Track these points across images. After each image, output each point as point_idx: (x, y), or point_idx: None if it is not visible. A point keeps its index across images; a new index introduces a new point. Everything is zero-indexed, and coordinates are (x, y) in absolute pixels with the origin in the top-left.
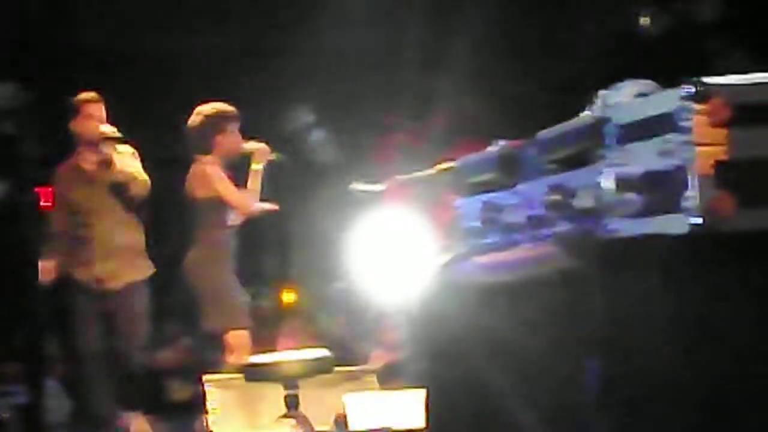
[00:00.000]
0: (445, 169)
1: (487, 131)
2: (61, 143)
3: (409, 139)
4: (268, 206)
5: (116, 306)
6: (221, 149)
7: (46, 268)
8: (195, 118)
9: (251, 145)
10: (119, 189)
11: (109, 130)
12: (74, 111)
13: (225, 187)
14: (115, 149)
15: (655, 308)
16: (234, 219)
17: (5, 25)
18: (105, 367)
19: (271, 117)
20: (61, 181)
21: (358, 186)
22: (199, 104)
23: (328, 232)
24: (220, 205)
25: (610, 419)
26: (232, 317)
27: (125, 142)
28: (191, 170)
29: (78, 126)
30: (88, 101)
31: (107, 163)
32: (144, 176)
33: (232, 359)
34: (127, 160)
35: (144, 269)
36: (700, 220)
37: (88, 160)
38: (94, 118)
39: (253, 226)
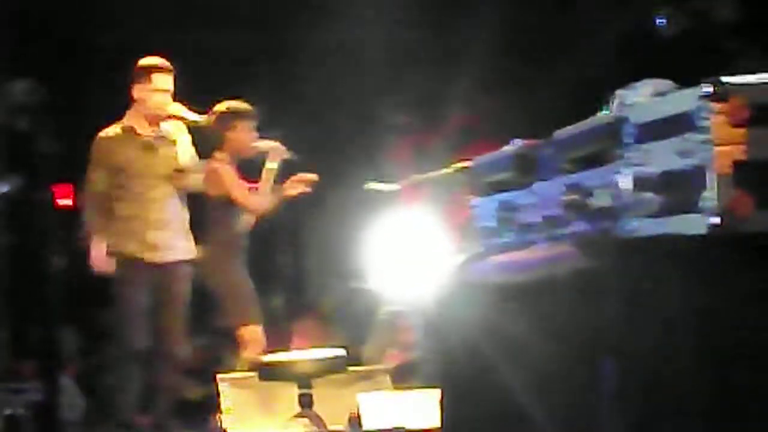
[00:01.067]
0: (461, 169)
1: (504, 130)
2: (77, 140)
3: (425, 139)
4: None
5: (168, 280)
6: (232, 146)
7: (100, 255)
8: (208, 116)
9: (265, 144)
10: (175, 167)
11: (178, 109)
12: (140, 76)
13: (234, 187)
14: (179, 131)
15: (672, 309)
16: (246, 218)
17: (20, 22)
18: (147, 364)
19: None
20: (110, 142)
21: (374, 186)
22: (215, 103)
23: (344, 231)
24: (230, 204)
25: (626, 420)
26: (244, 312)
27: (189, 130)
28: (206, 168)
29: (142, 95)
30: (159, 69)
31: (168, 140)
32: (199, 170)
33: (245, 354)
34: (188, 148)
35: (192, 249)
36: (718, 220)
37: (144, 128)
38: (162, 90)
39: (267, 224)
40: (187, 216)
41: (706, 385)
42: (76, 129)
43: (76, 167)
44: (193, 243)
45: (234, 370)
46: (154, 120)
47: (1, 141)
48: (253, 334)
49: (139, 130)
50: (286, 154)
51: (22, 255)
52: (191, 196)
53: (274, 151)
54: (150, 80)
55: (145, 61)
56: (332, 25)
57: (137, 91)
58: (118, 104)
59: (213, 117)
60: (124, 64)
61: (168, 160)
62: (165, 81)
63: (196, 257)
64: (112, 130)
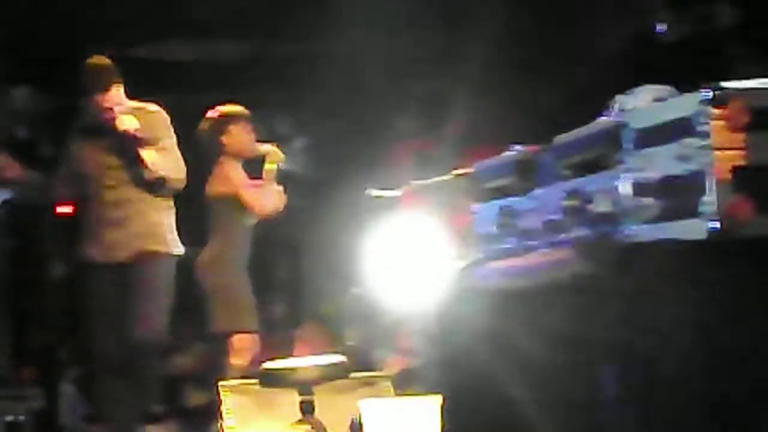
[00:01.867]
0: (462, 175)
1: (504, 136)
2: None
3: (425, 145)
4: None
5: (131, 279)
6: (231, 150)
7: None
8: (202, 123)
9: (263, 147)
10: (144, 173)
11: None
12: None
13: (243, 186)
14: (145, 120)
15: (673, 314)
16: (249, 221)
17: (19, 28)
18: (123, 366)
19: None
20: (75, 139)
21: (374, 192)
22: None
23: (344, 237)
24: (236, 203)
25: (626, 426)
26: (236, 319)
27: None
28: (213, 170)
29: (92, 84)
30: (100, 66)
31: (133, 141)
32: (180, 169)
33: (234, 362)
34: (166, 141)
35: (163, 241)
36: (718, 225)
37: (107, 119)
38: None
39: (267, 229)
40: (167, 214)
41: (706, 391)
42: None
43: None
44: (171, 237)
45: (226, 376)
46: (112, 110)
47: (3, 147)
48: (244, 342)
49: (102, 123)
50: (283, 159)
51: (23, 261)
52: (188, 197)
53: (273, 154)
54: (98, 72)
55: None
56: (332, 32)
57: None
58: None
59: (206, 124)
60: (127, 72)
61: (133, 164)
62: (112, 73)
63: (176, 252)
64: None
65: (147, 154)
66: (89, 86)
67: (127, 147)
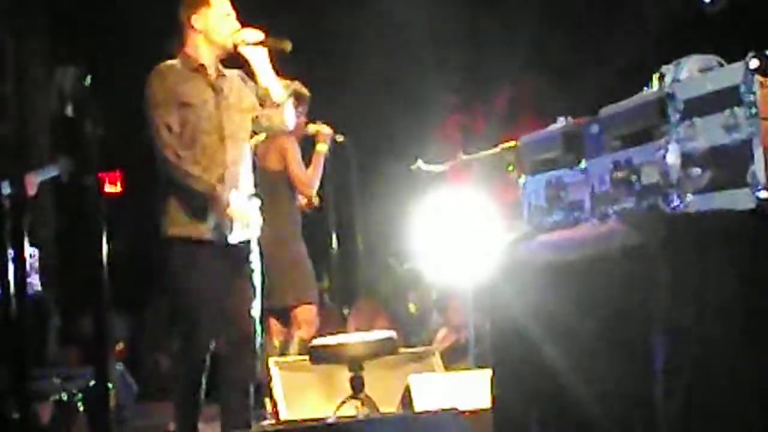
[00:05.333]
0: (509, 148)
1: (551, 109)
2: (125, 127)
3: (473, 119)
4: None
5: (237, 263)
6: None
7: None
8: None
9: (314, 127)
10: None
11: (253, 35)
12: (196, 2)
13: (296, 163)
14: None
15: (722, 284)
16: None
17: (67, 8)
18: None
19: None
20: (176, 77)
21: (422, 166)
22: None
23: (393, 212)
24: (288, 180)
25: (677, 396)
26: (303, 291)
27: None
28: (267, 144)
29: (203, 21)
30: None
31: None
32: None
33: (300, 334)
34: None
35: (259, 223)
36: (766, 195)
37: (212, 68)
38: (226, 14)
39: (317, 206)
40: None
41: (757, 360)
42: (124, 116)
43: (125, 154)
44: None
45: (286, 353)
46: (222, 55)
47: (50, 127)
48: (308, 314)
49: (209, 70)
50: (337, 137)
51: (72, 240)
52: None
53: (324, 135)
54: (208, 3)
55: None
56: (379, 6)
57: (198, 20)
58: None
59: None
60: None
61: (242, 113)
62: (226, 5)
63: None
64: (178, 65)
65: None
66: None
67: None
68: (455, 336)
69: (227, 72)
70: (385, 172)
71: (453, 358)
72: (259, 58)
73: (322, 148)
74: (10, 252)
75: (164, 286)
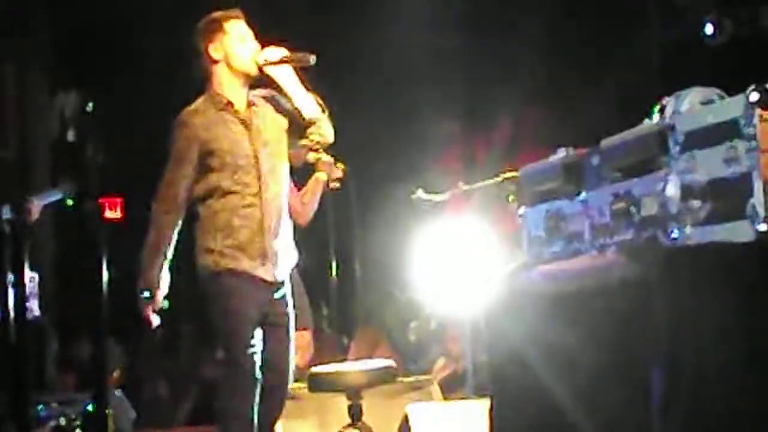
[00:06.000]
0: (509, 178)
1: (551, 140)
2: (125, 152)
3: (473, 148)
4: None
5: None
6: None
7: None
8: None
9: (315, 155)
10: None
11: (275, 53)
12: (213, 32)
13: (291, 194)
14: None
15: (721, 317)
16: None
17: (69, 34)
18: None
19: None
20: (206, 121)
21: (422, 195)
22: None
23: (392, 240)
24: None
25: (673, 427)
26: (297, 317)
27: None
28: None
29: (221, 50)
30: (229, 17)
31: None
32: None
33: (295, 360)
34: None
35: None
36: (765, 227)
37: (241, 101)
38: (247, 40)
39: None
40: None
41: (755, 392)
42: (125, 141)
43: (125, 180)
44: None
45: None
46: (248, 80)
47: (52, 151)
48: (302, 340)
49: (236, 105)
50: (337, 166)
51: (72, 266)
52: None
53: (324, 163)
54: (224, 30)
55: (212, 16)
56: (381, 36)
57: (216, 49)
58: (172, 117)
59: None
60: (176, 76)
61: (280, 144)
62: (242, 27)
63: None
64: (203, 107)
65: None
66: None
67: None
68: (454, 365)
69: (258, 101)
70: (385, 201)
71: (451, 388)
72: (286, 76)
73: (322, 176)
74: (10, 277)
75: (202, 319)
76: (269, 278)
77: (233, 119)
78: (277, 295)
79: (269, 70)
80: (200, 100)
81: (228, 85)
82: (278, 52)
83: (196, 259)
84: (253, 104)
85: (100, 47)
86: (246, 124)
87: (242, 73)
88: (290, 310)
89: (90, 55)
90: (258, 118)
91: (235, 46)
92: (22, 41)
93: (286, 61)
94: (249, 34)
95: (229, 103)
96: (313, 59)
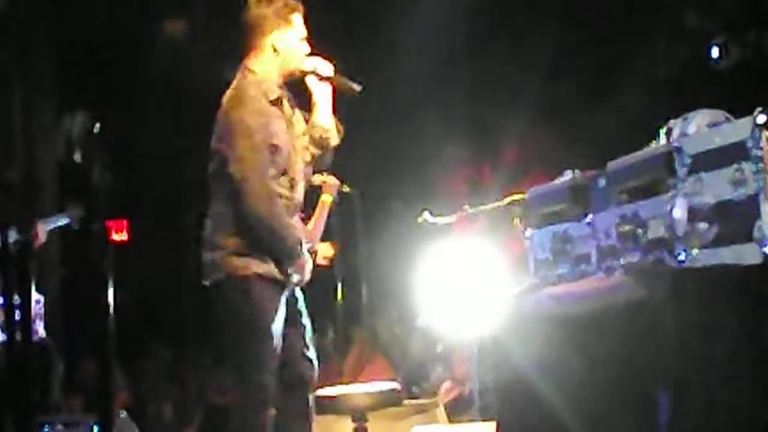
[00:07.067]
0: (516, 201)
1: (558, 162)
2: (130, 174)
3: (480, 171)
4: (324, 250)
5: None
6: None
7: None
8: None
9: (320, 178)
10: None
11: (326, 68)
12: (280, 20)
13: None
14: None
15: (728, 339)
16: None
17: (74, 56)
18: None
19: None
20: (266, 119)
21: (429, 218)
22: None
23: (398, 263)
24: None
25: None
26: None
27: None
28: None
29: (284, 43)
30: (298, 10)
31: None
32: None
33: None
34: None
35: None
36: None
37: (284, 98)
38: (304, 37)
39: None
40: None
41: (762, 414)
42: (131, 163)
43: (131, 202)
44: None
45: None
46: (285, 79)
47: (58, 173)
48: None
49: (284, 100)
50: (343, 188)
51: (76, 288)
52: None
53: (329, 185)
54: (290, 22)
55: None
56: (386, 57)
57: (279, 40)
58: (176, 140)
59: None
60: (181, 99)
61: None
62: (302, 24)
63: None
64: (254, 97)
65: None
66: None
67: None
68: (460, 388)
69: (292, 102)
70: (391, 223)
71: (457, 410)
72: (325, 94)
73: (327, 198)
74: (17, 299)
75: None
76: (298, 279)
77: (282, 116)
78: (297, 294)
79: (310, 81)
80: (249, 88)
81: (277, 79)
82: (329, 68)
83: (214, 263)
84: (294, 106)
85: (106, 69)
86: (289, 123)
87: (289, 71)
88: (303, 306)
89: (96, 76)
90: (296, 120)
91: (296, 42)
92: (27, 63)
93: (330, 79)
94: (305, 34)
95: (279, 98)
96: (358, 88)
